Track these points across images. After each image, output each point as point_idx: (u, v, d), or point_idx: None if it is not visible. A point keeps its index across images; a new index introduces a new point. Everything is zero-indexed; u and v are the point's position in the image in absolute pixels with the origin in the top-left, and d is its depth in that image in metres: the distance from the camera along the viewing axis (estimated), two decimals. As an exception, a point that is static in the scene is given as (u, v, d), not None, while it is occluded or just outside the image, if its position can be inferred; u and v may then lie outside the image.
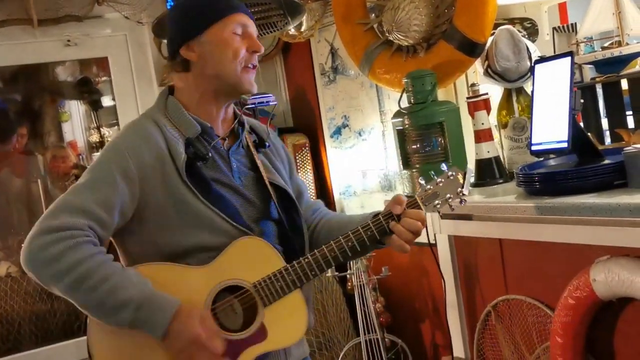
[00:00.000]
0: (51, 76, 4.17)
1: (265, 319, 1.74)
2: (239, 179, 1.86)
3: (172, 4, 3.60)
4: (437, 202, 1.79)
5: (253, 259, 1.76)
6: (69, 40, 3.55)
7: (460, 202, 1.81)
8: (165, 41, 3.29)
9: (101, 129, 4.23)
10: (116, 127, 4.02)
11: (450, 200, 1.80)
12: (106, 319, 1.63)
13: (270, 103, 1.91)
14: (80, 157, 4.29)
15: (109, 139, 4.20)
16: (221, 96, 1.85)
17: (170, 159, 1.75)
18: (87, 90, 4.14)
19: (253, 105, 1.86)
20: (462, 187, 1.80)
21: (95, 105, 4.21)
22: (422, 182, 1.82)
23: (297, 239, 1.88)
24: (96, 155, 4.28)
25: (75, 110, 4.32)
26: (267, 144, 1.95)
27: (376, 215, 1.81)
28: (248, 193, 1.85)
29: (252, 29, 1.86)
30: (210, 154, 1.80)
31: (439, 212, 1.84)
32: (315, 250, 1.77)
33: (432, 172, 1.82)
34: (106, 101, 4.12)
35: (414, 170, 2.55)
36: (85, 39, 3.58)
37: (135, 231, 1.74)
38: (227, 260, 1.74)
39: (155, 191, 1.73)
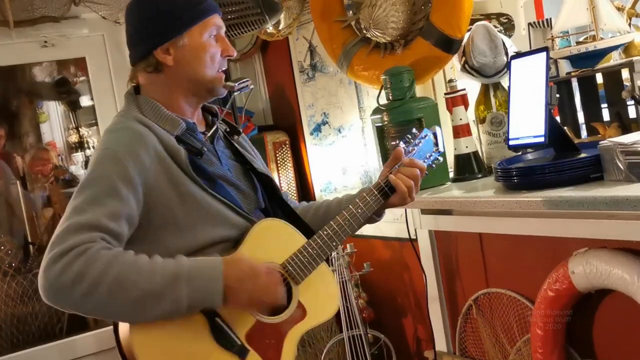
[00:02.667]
0: (28, 77, 4.14)
1: (301, 297, 1.76)
2: (230, 171, 1.84)
3: None
4: (422, 161, 1.90)
5: (276, 239, 1.77)
6: (45, 41, 3.53)
7: (437, 159, 1.96)
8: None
9: (80, 129, 4.21)
10: (95, 127, 4.00)
11: (431, 158, 1.94)
12: (161, 308, 1.54)
13: (249, 87, 1.90)
14: (60, 157, 4.27)
15: (88, 139, 4.20)
16: (195, 97, 1.81)
17: (169, 157, 1.69)
18: (65, 90, 4.12)
19: (239, 92, 1.85)
20: (436, 144, 1.95)
21: (73, 105, 4.19)
22: (403, 145, 1.90)
23: (291, 220, 1.87)
24: (76, 155, 4.28)
25: (53, 110, 4.30)
26: (239, 129, 1.94)
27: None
28: (240, 184, 1.84)
29: (224, 30, 1.82)
30: (205, 149, 1.77)
31: (429, 167, 1.94)
32: (331, 222, 1.79)
33: (409, 135, 1.92)
34: (84, 101, 4.10)
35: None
36: (62, 39, 3.56)
37: (144, 238, 1.66)
38: (252, 245, 1.73)
39: (161, 193, 1.66)
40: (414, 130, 1.94)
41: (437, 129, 1.98)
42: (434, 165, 1.95)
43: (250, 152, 1.96)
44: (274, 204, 1.91)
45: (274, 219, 1.82)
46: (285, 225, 1.81)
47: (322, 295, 1.80)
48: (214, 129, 1.86)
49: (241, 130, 1.96)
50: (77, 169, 4.27)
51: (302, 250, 1.76)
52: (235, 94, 1.84)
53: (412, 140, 1.91)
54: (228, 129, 1.94)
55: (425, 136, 1.94)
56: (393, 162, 1.87)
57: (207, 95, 1.82)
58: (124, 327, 1.64)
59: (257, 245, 1.73)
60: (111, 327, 1.72)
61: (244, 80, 1.88)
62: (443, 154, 2.01)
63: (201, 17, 1.74)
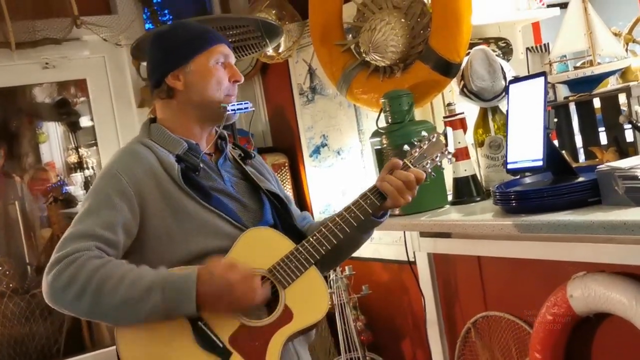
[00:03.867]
0: (29, 97, 4.16)
1: (287, 301, 1.78)
2: (232, 187, 1.93)
3: (151, 27, 3.62)
4: (425, 162, 1.92)
5: (264, 247, 1.81)
6: (47, 63, 3.55)
7: (449, 160, 1.97)
8: (144, 63, 3.31)
9: (79, 149, 4.22)
10: (94, 147, 4.01)
11: (437, 159, 1.94)
12: (138, 314, 1.67)
13: (249, 109, 1.96)
14: (59, 178, 4.28)
15: (87, 160, 4.21)
16: (205, 122, 1.93)
17: (164, 172, 1.81)
18: (66, 111, 4.14)
19: (233, 112, 1.91)
20: (447, 145, 1.95)
21: (73, 126, 4.20)
22: (407, 148, 1.93)
23: (294, 238, 1.89)
24: (74, 175, 4.29)
25: (53, 131, 4.31)
26: (252, 154, 2.04)
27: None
28: (243, 198, 1.92)
29: (233, 59, 1.95)
30: (201, 166, 1.87)
31: (428, 174, 1.92)
32: (321, 227, 1.83)
33: (414, 139, 1.94)
34: (84, 122, 4.12)
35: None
36: (64, 61, 3.59)
37: (141, 248, 1.79)
38: (238, 253, 1.78)
39: (154, 206, 1.78)
40: (423, 133, 1.96)
41: (449, 129, 2.03)
42: (442, 167, 1.98)
43: (265, 174, 2.04)
44: (283, 222, 1.95)
45: (263, 227, 1.87)
46: (274, 232, 1.86)
47: (310, 299, 1.82)
48: (223, 152, 1.98)
49: (254, 155, 2.05)
50: (76, 189, 4.27)
51: (290, 255, 1.81)
52: (229, 113, 1.89)
53: (417, 144, 1.94)
54: (242, 154, 2.04)
55: (433, 138, 1.94)
56: (388, 169, 1.89)
57: (215, 119, 1.92)
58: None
59: (245, 252, 1.78)
60: (107, 349, 1.79)
61: (241, 102, 1.93)
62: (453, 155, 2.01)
63: (206, 46, 1.89)
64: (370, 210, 1.86)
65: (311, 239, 1.82)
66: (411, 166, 1.89)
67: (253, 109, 1.99)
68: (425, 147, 1.93)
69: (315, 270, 1.83)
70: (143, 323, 1.70)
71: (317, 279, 1.83)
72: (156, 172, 1.81)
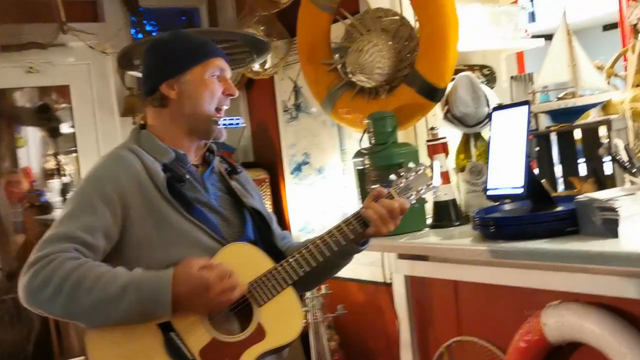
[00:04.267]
0: (9, 101, 4.13)
1: (261, 319, 1.78)
2: (216, 200, 1.93)
3: (139, 36, 3.62)
4: (410, 194, 1.94)
5: (243, 263, 1.81)
6: (31, 67, 3.53)
7: (433, 193, 2.02)
8: (129, 72, 3.31)
9: (58, 156, 4.20)
10: (73, 154, 3.99)
11: (422, 192, 1.96)
12: (114, 314, 1.67)
13: (240, 125, 1.99)
14: (34, 184, 4.24)
15: (64, 166, 4.18)
16: (193, 134, 1.93)
17: (150, 180, 1.81)
18: (47, 117, 4.12)
19: (224, 127, 1.92)
20: (432, 178, 1.97)
21: (53, 132, 4.18)
22: (393, 177, 1.95)
23: (273, 257, 1.89)
24: (51, 182, 4.25)
25: (32, 136, 4.29)
26: (239, 169, 2.05)
27: None
28: (226, 213, 1.92)
29: (229, 73, 1.97)
30: (187, 177, 1.87)
31: (412, 205, 1.94)
32: (302, 248, 1.84)
33: (404, 169, 1.96)
34: (64, 128, 4.09)
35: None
36: (48, 66, 3.58)
37: (121, 253, 1.78)
38: None
39: (137, 212, 1.78)
40: (410, 164, 1.98)
41: (436, 163, 2.06)
42: (426, 200, 2.04)
43: (249, 190, 2.05)
44: (263, 239, 1.95)
45: (244, 243, 1.87)
46: (255, 249, 1.86)
47: (284, 320, 1.82)
48: (202, 157, 1.98)
49: (240, 170, 2.06)
50: (53, 196, 4.24)
51: (268, 273, 1.81)
52: (220, 127, 1.92)
53: (404, 174, 1.95)
54: (229, 169, 2.04)
55: (419, 170, 1.97)
56: (373, 197, 1.91)
57: (205, 132, 1.92)
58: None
59: None
60: (76, 359, 1.79)
61: (233, 117, 1.95)
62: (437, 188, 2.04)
63: (203, 59, 1.90)
64: (351, 236, 1.87)
65: (290, 260, 1.83)
66: (396, 196, 1.90)
67: (244, 125, 2.02)
68: (411, 178, 1.95)
69: (292, 290, 1.83)
70: (118, 324, 1.70)
71: (293, 300, 1.84)
72: (141, 179, 1.81)
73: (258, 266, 1.82)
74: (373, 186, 2.47)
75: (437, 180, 1.99)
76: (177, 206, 1.81)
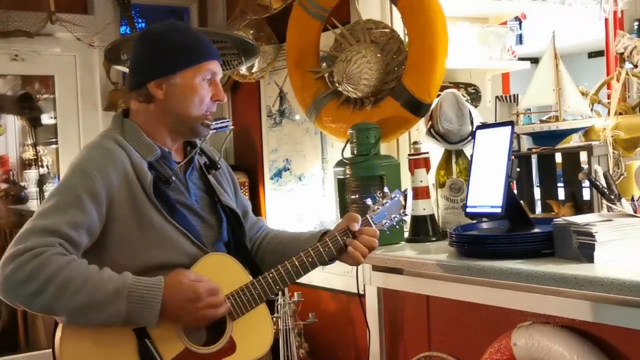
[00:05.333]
0: (-10, 88, 4.09)
1: (233, 332, 1.80)
2: (196, 201, 1.92)
3: (129, 32, 3.60)
4: (384, 221, 1.99)
5: (221, 274, 1.81)
6: (16, 55, 3.50)
7: (403, 222, 2.08)
8: (116, 67, 3.29)
9: (37, 146, 4.15)
10: (53, 145, 3.95)
11: (395, 220, 2.02)
12: (100, 317, 1.65)
13: (229, 127, 1.96)
14: (11, 172, 4.19)
15: (43, 157, 4.14)
16: (178, 134, 1.91)
17: (136, 179, 1.78)
18: (28, 106, 4.07)
19: (215, 131, 1.91)
20: (405, 207, 2.03)
21: (34, 122, 4.13)
22: (370, 202, 2.00)
23: (243, 258, 1.91)
24: (29, 172, 4.21)
25: (10, 124, 4.24)
26: (218, 165, 2.02)
27: (325, 232, 1.96)
28: (205, 215, 1.91)
29: (219, 76, 1.92)
30: (173, 178, 1.85)
31: (384, 231, 2.01)
32: (279, 266, 1.85)
33: (377, 194, 2.04)
34: (45, 119, 4.05)
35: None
36: (34, 55, 3.54)
37: (100, 250, 1.76)
38: None
39: (121, 210, 1.75)
40: (385, 189, 2.04)
41: (409, 191, 2.08)
42: (397, 227, 2.05)
43: (223, 185, 2.03)
44: (236, 241, 1.96)
45: (223, 255, 1.87)
46: (233, 262, 1.86)
47: (255, 335, 1.84)
48: (187, 159, 1.94)
49: (220, 166, 2.03)
50: (29, 186, 4.19)
51: (245, 288, 1.81)
52: (212, 132, 1.89)
53: (380, 200, 2.00)
54: (207, 162, 2.01)
55: (394, 197, 2.02)
56: (348, 222, 1.93)
57: (189, 134, 1.91)
58: (58, 332, 1.73)
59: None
60: (42, 352, 1.78)
61: (224, 120, 1.94)
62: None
63: (196, 61, 1.84)
64: (326, 259, 1.91)
65: (268, 276, 1.84)
66: (372, 223, 1.96)
67: (232, 127, 2.01)
68: (387, 205, 2.00)
69: (265, 307, 1.86)
70: (99, 326, 1.67)
71: (265, 316, 1.86)
72: (129, 177, 1.77)
73: (235, 279, 1.83)
74: (352, 196, 2.51)
75: (409, 209, 2.06)
76: (161, 208, 1.78)
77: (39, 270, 1.61)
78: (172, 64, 1.83)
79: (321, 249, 1.89)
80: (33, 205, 4.09)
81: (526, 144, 2.48)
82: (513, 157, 2.11)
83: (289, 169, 3.60)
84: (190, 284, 1.71)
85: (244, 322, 1.81)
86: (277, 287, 1.85)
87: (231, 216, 1.98)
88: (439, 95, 2.59)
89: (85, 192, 1.71)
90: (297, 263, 1.86)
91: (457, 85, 2.93)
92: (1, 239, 3.91)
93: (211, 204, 1.96)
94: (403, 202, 2.03)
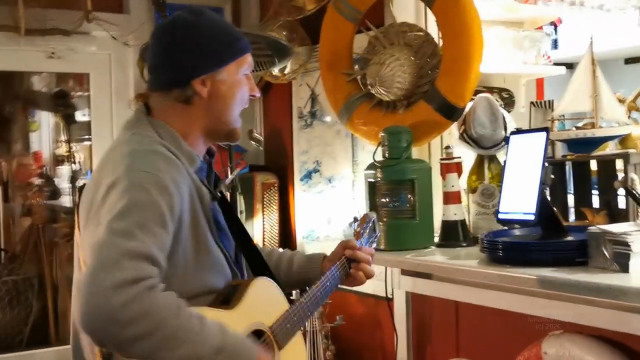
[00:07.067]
0: (26, 85, 4.15)
1: None
2: (224, 220, 1.77)
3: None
4: (372, 242, 2.12)
5: (267, 300, 1.74)
6: (53, 53, 3.54)
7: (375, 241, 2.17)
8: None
9: (70, 143, 4.21)
10: (85, 142, 4.00)
11: (373, 241, 2.14)
12: None
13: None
14: (44, 168, 4.25)
15: (75, 154, 4.19)
16: (212, 138, 1.74)
17: (197, 195, 1.61)
18: (63, 103, 4.13)
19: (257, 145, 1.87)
20: (375, 229, 2.16)
21: (68, 119, 4.19)
22: (356, 228, 2.09)
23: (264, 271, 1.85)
24: (61, 168, 4.26)
25: (45, 121, 4.30)
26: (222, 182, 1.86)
27: (324, 256, 2.00)
28: (232, 234, 1.77)
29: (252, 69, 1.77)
30: (218, 194, 1.71)
31: None
32: (307, 292, 1.81)
33: (357, 217, 2.15)
34: (79, 116, 4.11)
35: (380, 223, 2.56)
36: (70, 53, 3.58)
37: None
38: (249, 303, 1.64)
39: (185, 230, 1.56)
40: (359, 213, 2.20)
41: (374, 214, 2.19)
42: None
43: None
44: (246, 252, 1.83)
45: (265, 279, 1.76)
46: (274, 286, 1.78)
47: None
48: (213, 172, 1.80)
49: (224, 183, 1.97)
50: (61, 182, 4.25)
51: (286, 316, 1.73)
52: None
53: (362, 224, 2.09)
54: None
55: (371, 220, 2.13)
56: (346, 248, 1.97)
57: (225, 137, 1.75)
58: None
59: (252, 305, 1.66)
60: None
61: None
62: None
63: (240, 54, 1.69)
64: (339, 282, 1.95)
65: (303, 301, 1.78)
66: (369, 247, 2.07)
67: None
68: (367, 230, 2.10)
69: (300, 334, 1.82)
70: None
71: (302, 342, 1.84)
72: (192, 193, 1.59)
73: (278, 305, 1.75)
74: (382, 199, 2.51)
75: (378, 232, 2.20)
76: (213, 229, 1.64)
77: (151, 310, 1.35)
78: (219, 57, 1.65)
79: (335, 272, 1.91)
80: (65, 200, 4.14)
81: (561, 150, 2.45)
82: (547, 164, 2.08)
83: (319, 171, 3.60)
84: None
85: (288, 350, 1.73)
86: (309, 313, 1.81)
87: (240, 227, 1.84)
88: (472, 99, 2.57)
89: (167, 209, 1.48)
90: (320, 288, 1.84)
91: (490, 89, 2.91)
92: (34, 233, 3.97)
93: (232, 221, 1.79)
94: (376, 227, 2.17)
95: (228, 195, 2.73)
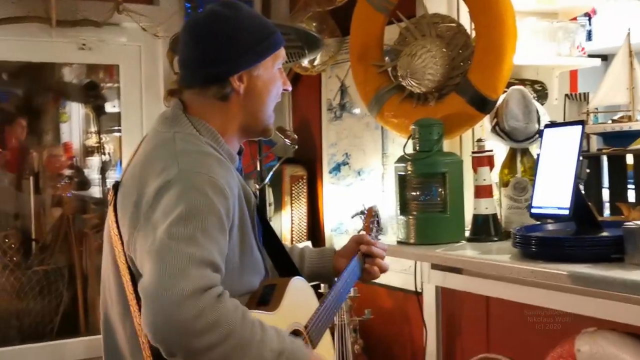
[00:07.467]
0: (57, 76, 4.17)
1: None
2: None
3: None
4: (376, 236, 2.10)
5: (302, 300, 1.74)
6: (83, 44, 3.56)
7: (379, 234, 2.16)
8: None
9: (100, 134, 4.23)
10: (115, 134, 4.02)
11: (379, 233, 2.13)
12: None
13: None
14: (74, 159, 4.28)
15: (105, 145, 4.21)
16: (247, 134, 1.72)
17: (244, 196, 1.58)
18: (94, 94, 4.15)
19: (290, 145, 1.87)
20: (379, 222, 2.16)
21: (98, 110, 4.21)
22: (362, 219, 2.11)
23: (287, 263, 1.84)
24: (91, 159, 4.29)
25: (75, 112, 4.32)
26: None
27: (334, 251, 2.00)
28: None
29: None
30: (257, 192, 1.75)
31: None
32: (332, 290, 1.80)
33: (364, 210, 2.15)
34: (109, 107, 4.12)
35: (410, 217, 2.54)
36: (100, 44, 3.59)
37: None
38: (288, 304, 1.63)
39: (234, 232, 1.53)
40: (365, 205, 2.17)
41: (378, 207, 2.19)
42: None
43: None
44: (272, 248, 1.79)
45: (301, 280, 1.75)
46: (308, 286, 1.78)
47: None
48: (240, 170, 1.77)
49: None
50: (91, 173, 4.27)
51: (318, 314, 1.71)
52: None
53: (369, 218, 2.10)
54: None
55: (377, 214, 2.15)
56: (360, 243, 1.97)
57: (259, 134, 1.73)
58: None
59: (290, 306, 1.64)
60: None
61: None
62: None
63: (275, 48, 1.67)
64: (358, 276, 1.94)
65: (330, 299, 1.77)
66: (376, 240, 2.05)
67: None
68: (374, 222, 2.11)
69: (328, 331, 1.80)
70: None
71: (329, 339, 1.82)
72: (240, 195, 1.55)
73: (310, 304, 1.75)
74: (413, 193, 2.48)
75: (380, 225, 2.17)
76: (256, 229, 1.62)
77: (222, 319, 1.34)
78: (257, 53, 1.62)
79: (354, 267, 1.90)
80: (95, 191, 4.17)
81: (596, 144, 2.40)
82: (582, 158, 2.04)
83: (348, 164, 3.58)
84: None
85: (319, 348, 1.72)
86: (335, 310, 1.81)
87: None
88: (505, 91, 2.53)
89: (225, 213, 1.45)
90: (342, 284, 1.84)
91: (523, 81, 2.86)
92: (64, 224, 4.00)
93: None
94: (379, 218, 2.16)
95: (257, 188, 2.72)
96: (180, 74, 1.69)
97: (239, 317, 1.38)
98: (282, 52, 1.70)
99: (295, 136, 1.81)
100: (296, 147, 2.04)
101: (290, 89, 1.77)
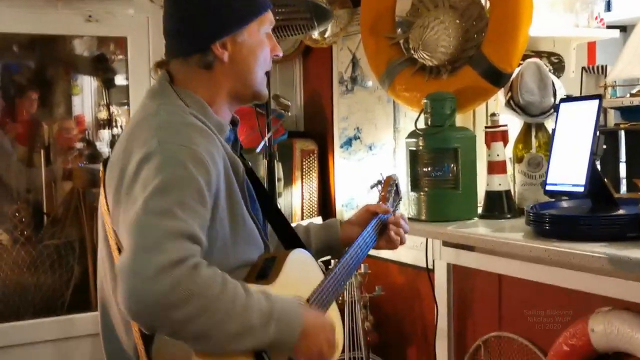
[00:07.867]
0: (68, 49, 4.15)
1: None
2: (253, 189, 1.70)
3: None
4: (395, 206, 2.10)
5: (304, 273, 1.69)
6: (90, 16, 3.51)
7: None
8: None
9: (111, 107, 4.20)
10: (125, 107, 3.98)
11: (398, 202, 2.13)
12: (248, 343, 1.38)
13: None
14: (87, 132, 4.26)
15: (117, 118, 4.18)
16: (237, 102, 1.67)
17: (230, 166, 1.54)
18: (103, 67, 4.12)
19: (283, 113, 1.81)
20: (399, 191, 2.15)
21: (108, 83, 4.19)
22: (379, 189, 2.08)
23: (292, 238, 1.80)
24: (102, 132, 4.26)
25: (87, 85, 4.30)
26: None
27: (340, 221, 1.97)
28: (257, 202, 1.70)
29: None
30: (249, 164, 1.66)
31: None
32: (340, 262, 1.76)
33: (381, 179, 2.12)
34: (119, 80, 4.09)
35: (421, 193, 2.49)
36: (107, 16, 3.54)
37: None
38: (287, 276, 1.59)
39: (220, 204, 1.49)
40: (383, 174, 2.13)
41: (397, 176, 2.16)
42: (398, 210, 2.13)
43: None
44: (274, 221, 1.76)
45: (302, 251, 1.71)
46: (310, 258, 1.74)
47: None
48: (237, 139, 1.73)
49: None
50: (102, 146, 4.26)
51: (321, 288, 1.67)
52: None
53: (386, 187, 2.07)
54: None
55: (395, 183, 2.12)
56: (374, 212, 1.96)
57: (250, 99, 1.69)
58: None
59: (290, 279, 1.60)
60: None
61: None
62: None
63: (260, 12, 1.61)
64: (371, 247, 1.91)
65: (336, 271, 1.72)
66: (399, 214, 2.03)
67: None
68: (393, 192, 2.08)
69: (335, 305, 1.76)
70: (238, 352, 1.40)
71: (337, 313, 1.77)
72: (226, 164, 1.52)
73: (313, 277, 1.70)
74: (424, 168, 2.43)
75: (401, 193, 2.15)
76: (247, 200, 1.57)
77: (200, 290, 1.30)
78: (239, 17, 1.57)
79: (371, 239, 1.88)
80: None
81: (613, 118, 2.33)
82: (599, 133, 1.98)
83: (359, 138, 3.53)
84: (325, 315, 1.61)
85: None
86: (343, 283, 1.76)
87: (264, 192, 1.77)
88: (520, 64, 2.45)
89: (205, 184, 1.42)
90: (353, 254, 1.80)
91: (539, 54, 2.78)
92: (75, 197, 3.99)
93: (259, 191, 1.72)
94: (398, 187, 2.13)
95: (266, 162, 2.67)
96: (165, 44, 1.65)
97: (219, 284, 1.34)
98: (268, 16, 1.64)
99: (288, 103, 1.74)
100: (289, 114, 1.99)
101: (280, 54, 1.71)
